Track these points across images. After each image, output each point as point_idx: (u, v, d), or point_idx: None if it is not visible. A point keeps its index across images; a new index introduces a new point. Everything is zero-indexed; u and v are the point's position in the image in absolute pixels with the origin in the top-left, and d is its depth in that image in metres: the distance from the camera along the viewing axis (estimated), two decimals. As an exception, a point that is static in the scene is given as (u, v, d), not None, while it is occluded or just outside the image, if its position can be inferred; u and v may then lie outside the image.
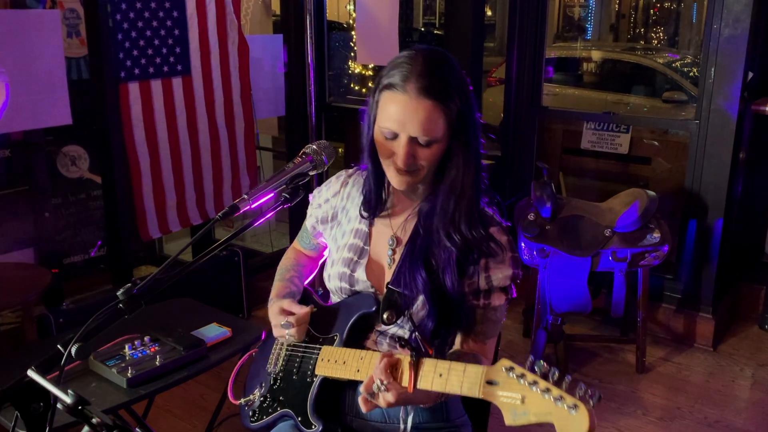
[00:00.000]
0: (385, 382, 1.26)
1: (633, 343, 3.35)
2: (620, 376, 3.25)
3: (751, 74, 3.28)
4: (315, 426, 1.50)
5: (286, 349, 1.65)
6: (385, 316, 1.43)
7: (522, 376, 1.09)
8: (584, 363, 3.36)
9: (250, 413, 1.66)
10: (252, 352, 1.79)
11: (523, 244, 3.19)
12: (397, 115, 1.37)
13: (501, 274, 1.46)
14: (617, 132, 3.84)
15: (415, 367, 1.26)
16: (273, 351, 1.68)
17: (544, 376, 1.08)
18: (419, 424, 1.54)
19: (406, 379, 1.27)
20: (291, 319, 1.54)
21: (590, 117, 3.99)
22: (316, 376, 1.53)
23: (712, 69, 3.26)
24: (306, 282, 1.75)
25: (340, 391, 1.56)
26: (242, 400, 1.69)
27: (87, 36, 3.33)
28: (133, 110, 3.29)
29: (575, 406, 1.01)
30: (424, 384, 1.25)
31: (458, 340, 1.49)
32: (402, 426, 1.52)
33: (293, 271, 1.72)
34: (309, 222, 1.72)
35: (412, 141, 1.38)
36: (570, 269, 3.10)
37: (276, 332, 1.59)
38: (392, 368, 1.29)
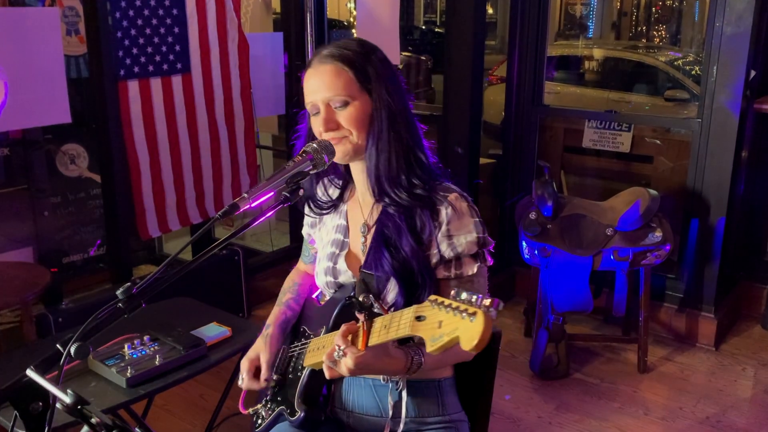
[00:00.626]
0: (342, 347, 1.28)
1: (635, 343, 3.33)
2: (622, 375, 3.24)
3: (753, 73, 3.27)
4: (298, 412, 1.52)
5: (287, 351, 1.67)
6: (360, 298, 1.44)
7: (442, 303, 1.11)
8: (586, 363, 3.35)
9: (255, 419, 1.68)
10: None
11: (524, 243, 3.19)
12: (309, 87, 1.48)
13: (464, 240, 1.47)
14: (619, 130, 3.83)
15: (368, 326, 1.29)
16: (277, 359, 1.70)
17: (463, 301, 1.09)
18: (414, 417, 1.54)
19: (361, 341, 1.29)
20: (246, 380, 1.61)
21: (592, 115, 3.98)
22: (304, 368, 1.56)
23: (715, 67, 3.24)
24: (311, 295, 1.77)
25: (330, 383, 1.57)
26: (250, 410, 1.70)
27: (86, 34, 3.30)
28: (132, 109, 3.27)
29: (474, 314, 1.03)
30: (373, 339, 1.27)
31: None
32: (391, 412, 1.52)
33: (290, 293, 1.75)
34: (304, 231, 1.76)
35: (329, 107, 1.46)
36: (571, 268, 3.09)
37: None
38: (353, 335, 1.31)
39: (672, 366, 3.34)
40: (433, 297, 1.14)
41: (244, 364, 1.62)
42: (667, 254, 3.08)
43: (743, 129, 3.32)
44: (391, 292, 1.48)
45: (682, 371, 3.30)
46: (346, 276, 1.58)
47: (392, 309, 1.47)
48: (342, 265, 1.58)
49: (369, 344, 1.28)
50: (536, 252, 3.15)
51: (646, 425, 2.87)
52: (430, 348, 1.09)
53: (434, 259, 1.48)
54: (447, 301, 1.10)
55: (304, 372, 1.56)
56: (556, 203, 3.16)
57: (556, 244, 3.10)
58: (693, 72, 5.74)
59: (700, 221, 3.45)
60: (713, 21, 3.22)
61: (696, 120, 3.40)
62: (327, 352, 1.32)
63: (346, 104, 1.45)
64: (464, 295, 1.08)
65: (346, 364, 1.28)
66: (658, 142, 4.15)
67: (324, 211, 1.65)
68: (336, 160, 1.48)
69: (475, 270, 1.48)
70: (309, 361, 1.54)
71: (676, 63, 6.11)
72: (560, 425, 2.87)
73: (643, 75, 6.09)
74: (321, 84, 1.45)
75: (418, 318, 1.16)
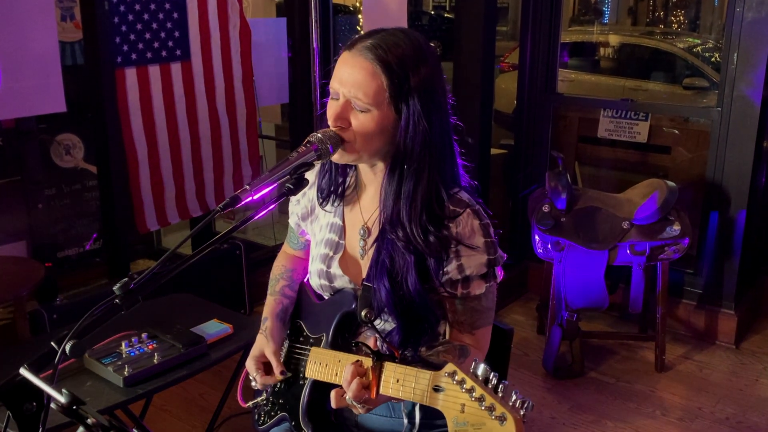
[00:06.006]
0: (350, 394, 1.27)
1: (652, 341, 3.31)
2: (638, 374, 3.21)
3: (775, 60, 3.21)
4: (305, 431, 1.52)
5: (286, 350, 1.65)
6: (363, 314, 1.40)
7: (462, 381, 1.11)
8: (601, 361, 3.31)
9: (256, 416, 1.68)
10: None
11: (537, 237, 3.17)
12: (339, 72, 1.36)
13: (474, 263, 1.39)
14: (635, 120, 3.80)
15: (378, 372, 1.28)
16: (283, 349, 1.67)
17: (484, 381, 1.09)
18: (424, 420, 1.52)
19: (372, 388, 1.31)
20: (258, 379, 1.57)
21: (607, 104, 3.96)
22: (306, 378, 1.54)
23: (735, 54, 3.21)
24: (304, 279, 1.74)
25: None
26: (250, 404, 1.69)
27: (82, 19, 3.28)
28: (130, 97, 3.25)
29: (504, 418, 1.03)
30: (384, 390, 1.27)
31: (447, 331, 1.46)
32: (405, 420, 1.52)
33: (283, 281, 1.69)
34: (292, 220, 1.68)
35: (348, 103, 1.36)
36: (586, 263, 3.07)
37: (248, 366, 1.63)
38: (360, 376, 1.29)
39: (690, 365, 3.30)
40: (450, 369, 1.13)
41: (251, 365, 1.58)
42: (685, 248, 3.05)
43: (765, 118, 3.28)
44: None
45: (701, 370, 3.26)
46: (343, 281, 1.52)
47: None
48: (336, 269, 1.52)
49: (381, 393, 1.28)
50: (549, 246, 3.12)
51: (663, 426, 2.84)
52: (451, 430, 1.11)
53: (442, 278, 1.40)
54: (468, 382, 1.09)
55: (306, 383, 1.54)
56: (570, 195, 3.13)
57: (571, 238, 3.07)
58: (712, 59, 5.79)
59: (719, 214, 3.41)
60: (733, 6, 3.19)
61: (716, 109, 3.36)
62: (336, 393, 1.31)
63: (365, 111, 1.34)
64: (484, 370, 1.08)
65: (357, 407, 1.30)
66: (676, 131, 4.21)
67: (325, 201, 1.54)
68: (333, 159, 1.38)
69: (483, 290, 1.42)
70: (311, 372, 1.51)
71: (694, 50, 6.15)
72: (574, 426, 2.83)
73: (661, 62, 6.15)
74: (351, 78, 1.33)
75: (436, 389, 1.16)
